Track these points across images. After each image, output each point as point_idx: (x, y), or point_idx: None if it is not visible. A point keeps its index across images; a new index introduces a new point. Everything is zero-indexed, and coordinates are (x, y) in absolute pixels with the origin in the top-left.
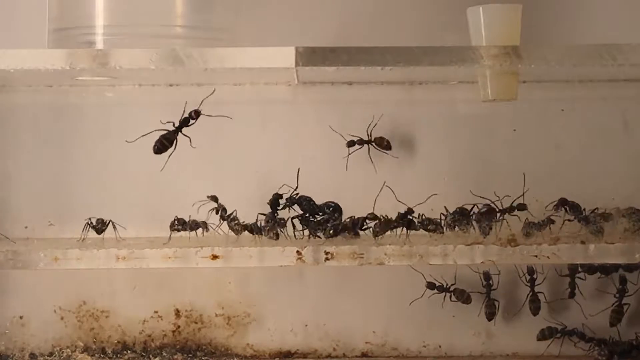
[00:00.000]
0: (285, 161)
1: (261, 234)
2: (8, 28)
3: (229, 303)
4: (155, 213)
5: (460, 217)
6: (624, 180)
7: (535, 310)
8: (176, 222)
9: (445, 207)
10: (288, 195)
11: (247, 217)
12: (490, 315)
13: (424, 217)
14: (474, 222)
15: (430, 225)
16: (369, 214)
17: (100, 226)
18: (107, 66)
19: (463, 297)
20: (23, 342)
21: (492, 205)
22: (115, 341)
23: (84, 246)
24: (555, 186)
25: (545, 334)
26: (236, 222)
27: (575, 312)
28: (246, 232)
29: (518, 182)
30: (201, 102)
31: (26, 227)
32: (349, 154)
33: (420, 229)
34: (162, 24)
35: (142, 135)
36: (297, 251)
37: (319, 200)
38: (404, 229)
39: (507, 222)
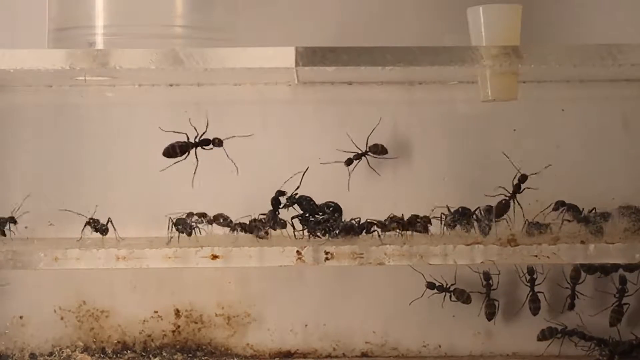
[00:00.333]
0: (285, 161)
1: (252, 232)
2: (8, 28)
3: (229, 303)
4: (156, 213)
5: (461, 216)
6: (624, 180)
7: (535, 310)
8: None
9: (447, 206)
10: (289, 194)
11: (246, 217)
12: (490, 315)
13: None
14: (474, 222)
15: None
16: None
17: (101, 226)
18: (107, 66)
19: (463, 297)
20: (23, 342)
21: (504, 194)
22: (115, 341)
23: (83, 246)
24: (555, 186)
25: (545, 335)
26: (227, 220)
27: (576, 312)
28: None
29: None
30: (227, 138)
31: (26, 227)
32: (350, 172)
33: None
34: (162, 24)
35: (174, 132)
36: (297, 251)
37: (319, 200)
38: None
39: (520, 206)
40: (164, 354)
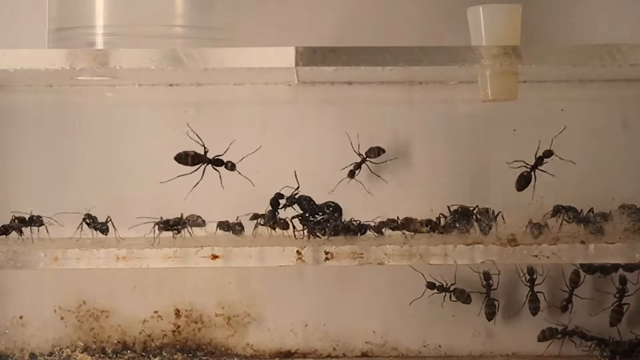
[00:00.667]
0: (285, 161)
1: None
2: (8, 28)
3: (229, 303)
4: (156, 213)
5: (461, 216)
6: (623, 180)
7: (534, 310)
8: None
9: (448, 206)
10: (289, 195)
11: (246, 217)
12: (490, 315)
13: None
14: (474, 222)
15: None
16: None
17: (101, 226)
18: (107, 66)
19: (463, 297)
20: (23, 342)
21: (525, 167)
22: (115, 341)
23: (83, 246)
24: (555, 186)
25: (546, 335)
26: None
27: (576, 311)
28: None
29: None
30: (240, 159)
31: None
32: (353, 177)
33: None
34: (162, 24)
35: (198, 142)
36: (297, 251)
37: (319, 200)
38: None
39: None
40: (164, 354)
